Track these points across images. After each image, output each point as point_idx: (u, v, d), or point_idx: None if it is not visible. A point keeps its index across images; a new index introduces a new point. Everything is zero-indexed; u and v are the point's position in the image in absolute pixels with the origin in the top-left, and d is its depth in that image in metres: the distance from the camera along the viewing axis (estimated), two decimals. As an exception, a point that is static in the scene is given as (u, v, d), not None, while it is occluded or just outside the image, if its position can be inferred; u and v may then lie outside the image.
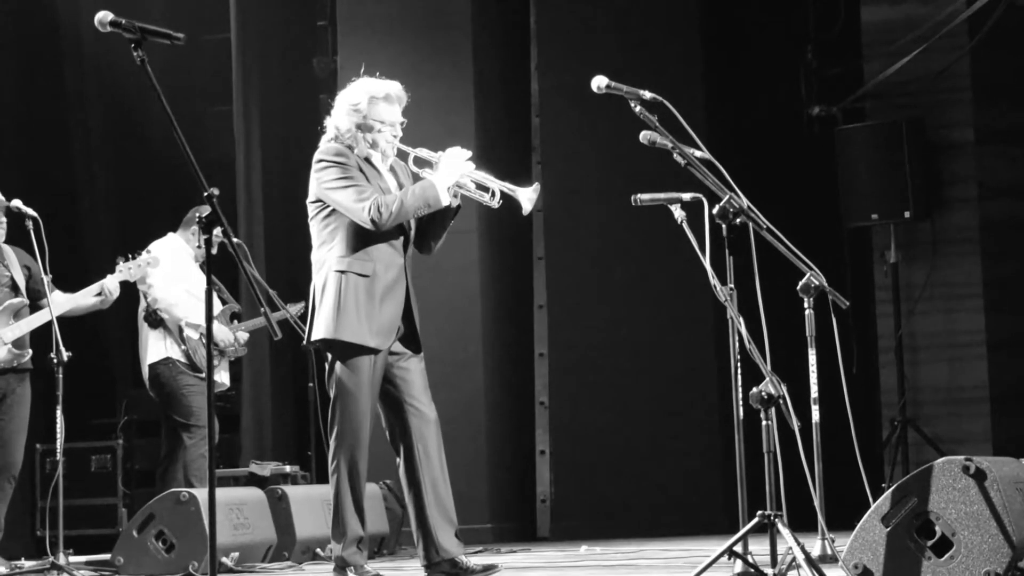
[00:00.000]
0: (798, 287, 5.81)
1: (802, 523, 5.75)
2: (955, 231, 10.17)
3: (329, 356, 6.31)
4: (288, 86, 11.35)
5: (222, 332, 8.84)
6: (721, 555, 5.45)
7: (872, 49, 10.50)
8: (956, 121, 10.26)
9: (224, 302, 9.08)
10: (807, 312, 5.84)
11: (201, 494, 7.18)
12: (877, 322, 10.30)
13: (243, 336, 9.05)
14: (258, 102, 11.09)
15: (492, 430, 10.43)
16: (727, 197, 5.69)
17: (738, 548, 5.46)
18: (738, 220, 5.74)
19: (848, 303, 5.84)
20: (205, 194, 4.72)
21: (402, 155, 6.44)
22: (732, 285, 5.61)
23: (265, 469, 9.30)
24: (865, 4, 10.56)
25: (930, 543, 5.18)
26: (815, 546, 5.59)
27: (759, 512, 5.40)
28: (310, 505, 8.05)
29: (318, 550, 8.01)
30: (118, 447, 10.52)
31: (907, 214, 9.95)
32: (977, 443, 9.71)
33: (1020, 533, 5.13)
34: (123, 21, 4.72)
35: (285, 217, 11.13)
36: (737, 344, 5.58)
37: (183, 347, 8.71)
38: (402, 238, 6.33)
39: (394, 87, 6.47)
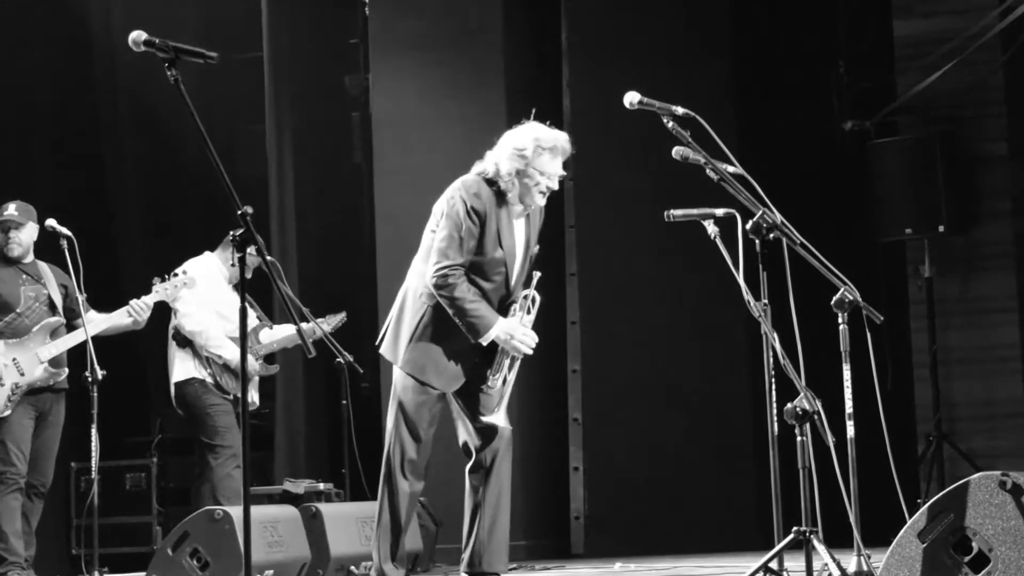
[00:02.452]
0: (832, 302, 5.79)
1: (838, 539, 5.73)
2: (989, 245, 10.14)
3: (397, 372, 6.35)
4: (320, 104, 11.38)
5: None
6: (757, 571, 5.44)
7: (905, 63, 10.47)
8: (989, 135, 10.23)
9: (259, 319, 9.09)
10: (841, 327, 5.82)
11: (236, 512, 7.19)
12: (911, 337, 10.26)
13: (257, 360, 8.99)
14: (290, 120, 11.12)
15: (525, 447, 10.39)
16: (760, 212, 5.68)
17: (773, 564, 5.45)
18: (771, 235, 5.74)
19: (882, 318, 5.82)
20: (239, 212, 4.73)
21: None
22: (766, 300, 5.60)
23: (299, 487, 9.29)
24: (897, 17, 10.53)
25: (967, 559, 5.16)
26: (851, 562, 5.56)
27: (794, 528, 5.39)
28: (344, 523, 8.05)
29: (352, 568, 8.02)
30: (152, 465, 10.55)
31: (941, 228, 9.91)
32: (1013, 458, 9.66)
33: (1057, 548, 5.10)
34: (156, 40, 4.74)
35: (318, 234, 11.17)
36: (771, 360, 5.56)
37: (208, 371, 8.73)
38: (501, 293, 6.33)
39: (561, 139, 6.44)
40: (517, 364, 6.35)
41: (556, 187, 6.37)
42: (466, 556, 6.44)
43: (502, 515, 6.44)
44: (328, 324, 9.01)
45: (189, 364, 8.77)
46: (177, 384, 8.79)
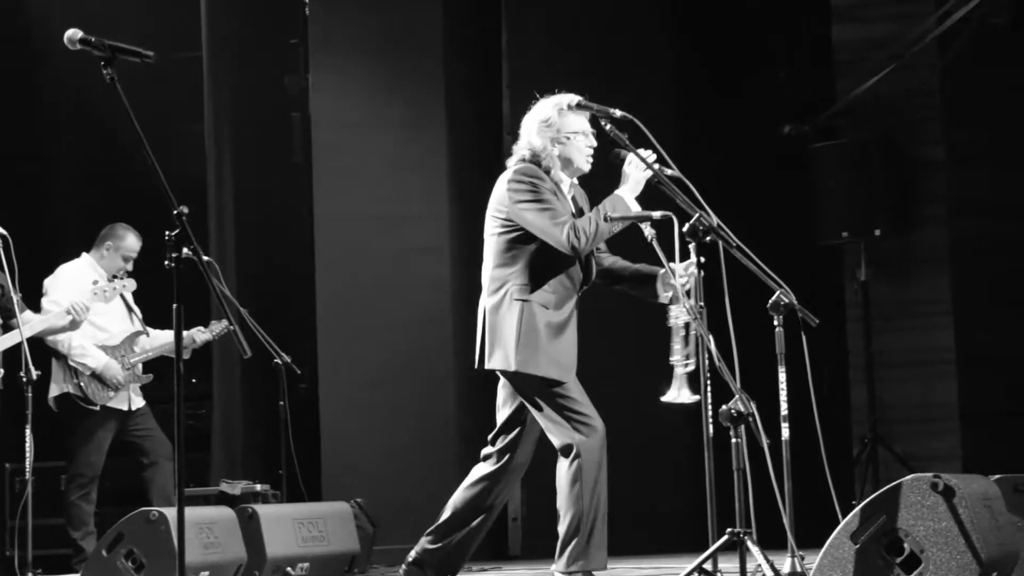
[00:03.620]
0: (768, 305, 5.82)
1: (773, 541, 5.76)
2: (925, 249, 10.21)
3: (528, 383, 6.20)
4: (260, 104, 11.33)
5: (110, 370, 8.72)
6: (691, 573, 5.47)
7: (844, 67, 10.53)
8: (927, 139, 10.31)
9: (137, 324, 9.01)
10: (777, 330, 5.85)
11: (171, 513, 7.14)
12: (847, 340, 10.32)
13: (126, 369, 8.90)
14: (229, 120, 11.06)
15: (464, 448, 10.40)
16: (697, 215, 5.71)
17: (708, 566, 5.47)
18: (708, 238, 5.77)
19: (818, 321, 5.85)
20: (175, 212, 4.71)
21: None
22: (702, 303, 5.62)
23: (236, 488, 9.26)
24: (836, 22, 10.59)
25: (899, 560, 5.19)
26: (785, 563, 5.59)
27: (728, 530, 5.41)
28: (281, 524, 8.01)
29: (288, 569, 7.98)
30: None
31: (877, 232, 9.98)
32: (947, 460, 9.74)
33: (988, 550, 5.14)
34: (93, 39, 4.71)
35: (256, 234, 11.12)
36: (707, 362, 5.59)
37: (75, 380, 8.66)
38: (579, 276, 6.23)
39: (579, 98, 6.30)
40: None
41: (594, 143, 6.24)
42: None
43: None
44: (210, 333, 8.96)
45: (63, 377, 8.70)
46: (54, 399, 8.74)
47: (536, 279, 6.12)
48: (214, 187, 10.93)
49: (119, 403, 8.78)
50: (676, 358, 5.76)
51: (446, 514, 6.46)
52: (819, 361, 6.00)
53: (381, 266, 10.43)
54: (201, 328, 9.04)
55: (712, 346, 5.52)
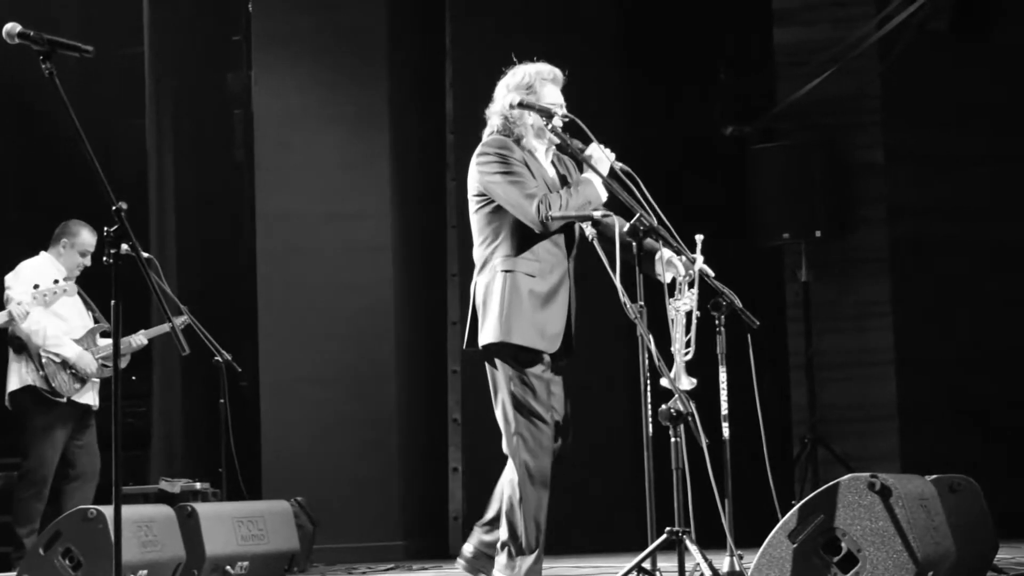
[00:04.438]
0: (709, 305, 5.84)
1: (712, 540, 5.78)
2: (864, 250, 10.28)
3: (497, 362, 6.05)
4: (202, 101, 11.30)
5: (83, 360, 8.71)
6: (629, 571, 5.47)
7: (785, 70, 10.59)
8: (866, 142, 10.37)
9: (96, 320, 8.97)
10: (718, 330, 5.87)
11: (109, 511, 7.10)
12: (788, 340, 10.37)
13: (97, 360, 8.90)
14: (171, 116, 11.03)
15: (405, 447, 10.41)
16: (637, 215, 5.72)
17: (646, 565, 5.48)
18: (648, 238, 5.78)
19: (758, 323, 5.87)
20: (113, 208, 4.68)
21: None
22: (642, 303, 5.63)
23: (175, 486, 9.22)
24: (778, 25, 10.64)
25: (836, 559, 5.22)
26: (723, 563, 5.62)
27: (667, 529, 5.43)
28: (220, 522, 7.99)
29: (228, 568, 7.96)
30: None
31: (818, 233, 10.03)
32: (886, 461, 9.81)
33: (924, 549, 5.18)
34: (31, 33, 4.68)
35: (197, 231, 11.08)
36: (647, 361, 5.60)
37: (41, 372, 8.62)
38: (566, 240, 6.07)
39: (555, 69, 6.24)
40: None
41: (568, 116, 6.11)
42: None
43: None
44: (145, 336, 8.95)
45: (23, 371, 8.66)
46: (11, 394, 8.70)
47: (520, 248, 6.00)
48: (155, 184, 10.89)
49: (85, 398, 8.75)
50: (676, 346, 5.75)
51: (495, 504, 6.32)
52: (760, 361, 6.01)
53: (323, 264, 10.42)
54: (143, 331, 9.02)
55: (652, 346, 5.53)
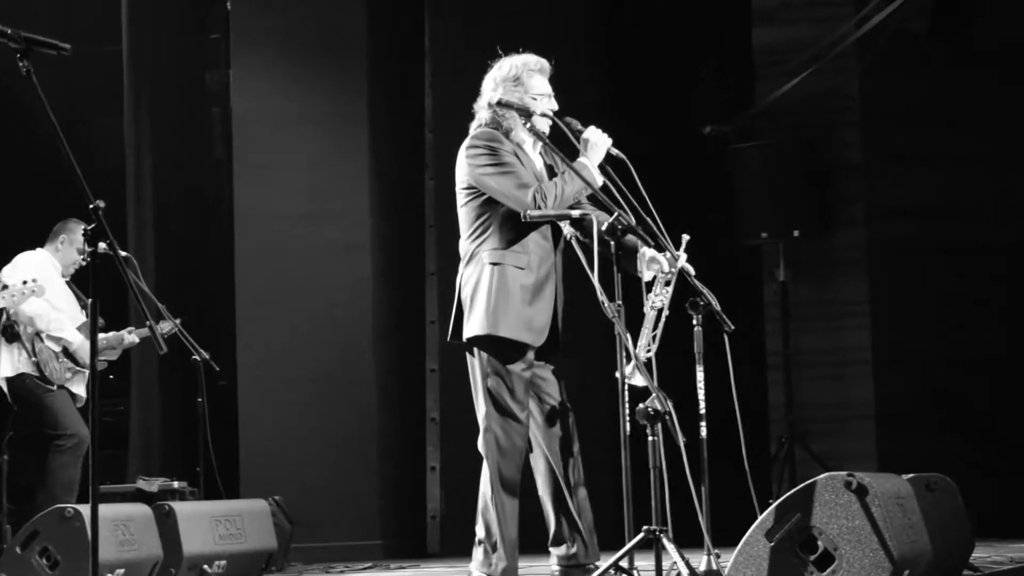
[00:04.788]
0: (687, 304, 5.85)
1: (692, 539, 5.79)
2: (842, 250, 10.29)
3: (479, 354, 6.04)
4: (180, 99, 11.28)
5: (84, 348, 8.73)
6: (607, 570, 5.48)
7: (764, 69, 10.59)
8: (845, 142, 10.38)
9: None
10: (696, 329, 5.88)
11: (87, 510, 7.08)
12: (766, 339, 10.39)
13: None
14: (149, 114, 11.02)
15: (383, 446, 10.41)
16: (616, 214, 5.73)
17: (624, 563, 5.49)
18: (626, 237, 5.79)
19: (733, 327, 5.88)
20: (91, 206, 4.67)
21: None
22: (620, 302, 5.64)
23: (153, 485, 9.21)
24: (757, 25, 10.65)
25: (812, 558, 5.23)
26: (701, 561, 5.63)
27: (644, 527, 5.44)
28: (198, 521, 7.98)
29: (205, 567, 7.95)
30: (3, 462, 10.36)
31: (796, 233, 10.04)
32: (863, 460, 9.82)
33: (900, 548, 5.19)
34: (8, 30, 4.66)
35: (176, 230, 11.07)
36: (624, 360, 5.61)
37: (33, 359, 8.62)
38: (553, 233, 6.05)
39: (542, 59, 6.26)
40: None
41: (556, 107, 6.16)
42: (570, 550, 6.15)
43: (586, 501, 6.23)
44: (138, 336, 8.95)
45: (16, 358, 8.66)
46: (8, 380, 8.69)
47: (509, 241, 5.99)
48: (133, 182, 10.87)
49: (75, 387, 8.76)
50: (642, 342, 5.75)
51: (551, 517, 6.24)
52: (738, 360, 6.03)
53: (301, 262, 10.41)
54: (130, 329, 9.02)
55: (630, 345, 5.54)
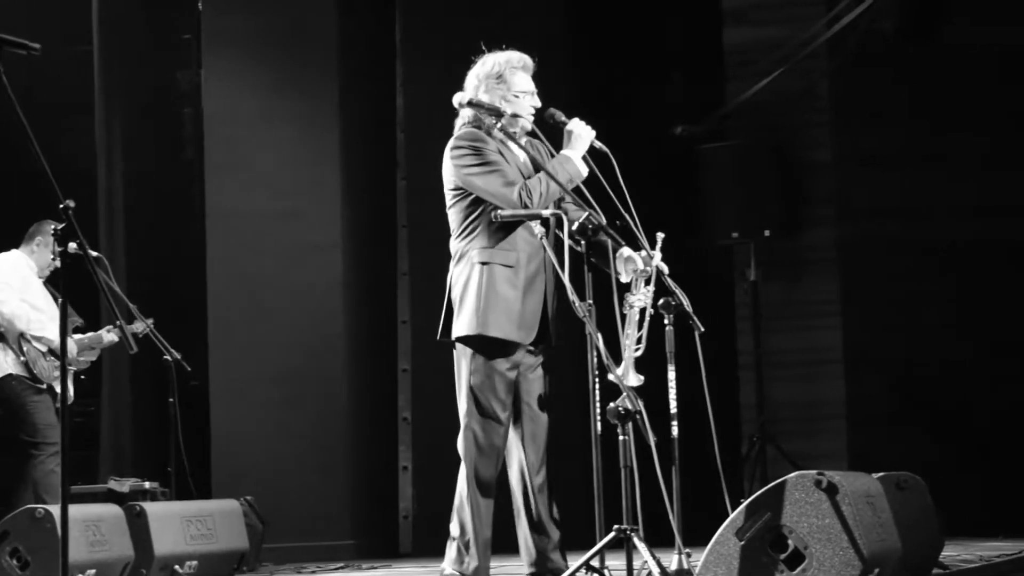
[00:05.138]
0: (658, 304, 5.86)
1: (661, 538, 5.80)
2: (813, 250, 10.32)
3: (466, 353, 6.04)
4: (151, 99, 11.25)
5: (66, 349, 8.71)
6: (577, 569, 5.49)
7: (734, 70, 10.62)
8: (815, 142, 10.41)
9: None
10: (667, 328, 5.89)
11: (57, 511, 7.07)
12: (737, 339, 10.41)
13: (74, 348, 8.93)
14: (121, 115, 10.98)
15: (355, 446, 10.40)
16: (586, 214, 5.74)
17: (595, 563, 5.50)
18: (597, 236, 5.80)
19: (703, 329, 5.89)
20: (61, 206, 4.66)
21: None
22: (591, 301, 5.65)
23: (124, 486, 9.19)
24: (727, 25, 10.68)
25: (783, 557, 5.25)
26: (672, 561, 5.64)
27: (615, 527, 5.45)
28: (169, 521, 7.97)
29: (176, 567, 7.94)
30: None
31: (767, 233, 10.07)
32: (834, 459, 9.85)
33: (870, 546, 5.21)
34: (-23, 31, 4.66)
35: (147, 230, 11.04)
36: (595, 360, 5.61)
37: (22, 359, 8.61)
38: (543, 228, 5.98)
39: (525, 56, 6.26)
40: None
41: (539, 104, 6.18)
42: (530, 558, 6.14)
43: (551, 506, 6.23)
44: (116, 335, 8.93)
45: (3, 360, 8.64)
46: None
47: (498, 240, 6.01)
48: (104, 182, 10.84)
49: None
50: (628, 342, 5.76)
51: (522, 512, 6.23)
52: (709, 360, 6.04)
53: (273, 262, 10.39)
54: (109, 328, 9.01)
55: (601, 344, 5.54)
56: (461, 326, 6.04)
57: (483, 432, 6.06)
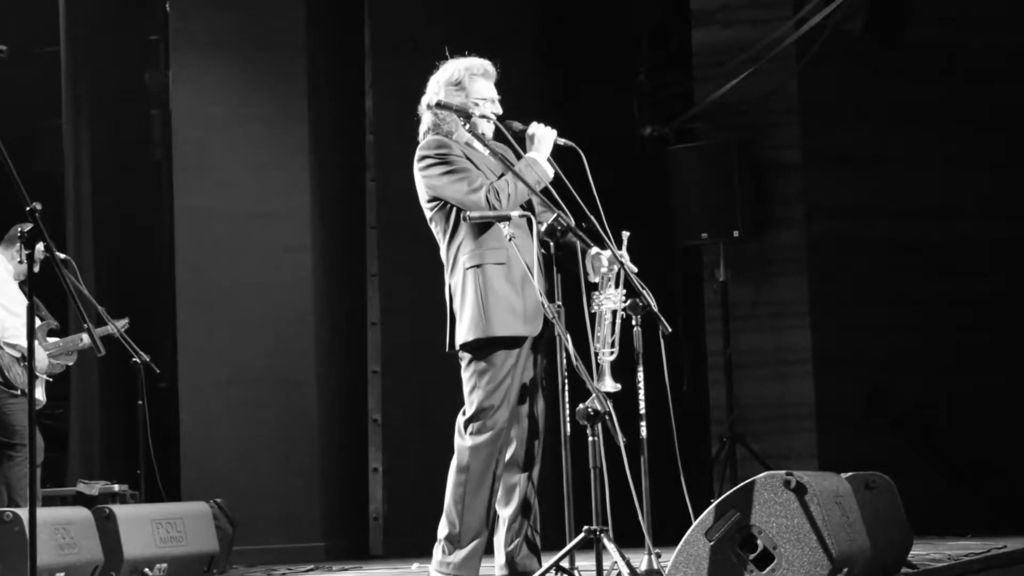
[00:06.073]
0: (627, 305, 5.86)
1: (630, 539, 5.80)
2: (782, 250, 10.34)
3: (470, 358, 6.03)
4: (119, 100, 11.21)
5: (39, 355, 8.68)
6: (547, 570, 5.49)
7: (703, 70, 10.64)
8: (784, 142, 10.44)
9: (42, 319, 8.93)
10: (635, 329, 5.90)
11: (25, 514, 7.04)
12: (707, 339, 10.42)
13: (47, 353, 8.90)
14: (88, 116, 10.94)
15: (325, 448, 10.39)
16: (555, 215, 5.75)
17: (565, 563, 5.50)
18: (566, 238, 5.81)
19: (671, 329, 5.89)
20: (27, 208, 4.65)
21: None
22: (560, 302, 5.66)
23: (93, 488, 9.16)
24: (696, 26, 10.70)
25: (752, 556, 5.27)
26: (642, 561, 5.64)
27: (585, 527, 5.45)
28: (139, 524, 7.95)
29: (146, 570, 7.92)
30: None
31: (736, 233, 10.09)
32: (803, 459, 9.88)
33: (839, 546, 5.23)
34: (-57, 32, 4.64)
35: (115, 232, 11.01)
36: (564, 361, 5.62)
37: None
38: (527, 219, 5.97)
39: (486, 62, 6.27)
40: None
41: (500, 111, 6.19)
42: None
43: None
44: (121, 323, 8.92)
45: None
46: None
47: (484, 240, 6.01)
48: (72, 184, 10.81)
49: (36, 392, 8.69)
50: (599, 346, 5.75)
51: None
52: (679, 361, 6.05)
53: (242, 264, 10.37)
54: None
55: (570, 345, 5.55)
56: (464, 332, 6.03)
57: (480, 433, 6.05)
